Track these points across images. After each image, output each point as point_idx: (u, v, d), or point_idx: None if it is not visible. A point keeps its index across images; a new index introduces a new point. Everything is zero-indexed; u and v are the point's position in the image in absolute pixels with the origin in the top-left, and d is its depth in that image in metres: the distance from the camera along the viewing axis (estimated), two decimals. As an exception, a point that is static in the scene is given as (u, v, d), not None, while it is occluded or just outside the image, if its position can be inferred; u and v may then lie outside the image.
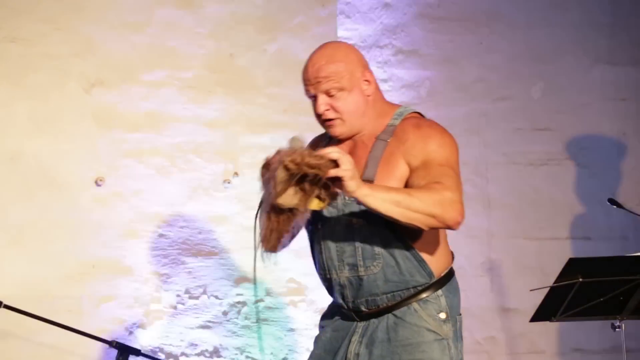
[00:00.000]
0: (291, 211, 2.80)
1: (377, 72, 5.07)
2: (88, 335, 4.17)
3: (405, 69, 5.13)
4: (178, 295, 4.66)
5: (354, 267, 3.02)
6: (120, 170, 4.63)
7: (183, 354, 4.63)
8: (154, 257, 4.63)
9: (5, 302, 4.08)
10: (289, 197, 2.77)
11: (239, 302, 4.72)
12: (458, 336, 3.05)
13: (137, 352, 4.18)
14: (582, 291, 3.89)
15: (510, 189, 5.21)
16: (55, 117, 4.58)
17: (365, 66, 3.09)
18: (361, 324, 3.06)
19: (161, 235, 4.66)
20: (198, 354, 4.65)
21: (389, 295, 3.01)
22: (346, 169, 2.75)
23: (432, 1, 5.22)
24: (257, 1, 4.91)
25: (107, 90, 4.65)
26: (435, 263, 3.02)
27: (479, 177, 5.17)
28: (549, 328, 5.03)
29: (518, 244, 5.17)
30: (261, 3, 4.92)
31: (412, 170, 2.96)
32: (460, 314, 3.09)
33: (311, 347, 3.20)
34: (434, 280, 3.02)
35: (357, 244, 3.00)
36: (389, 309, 3.02)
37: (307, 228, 3.11)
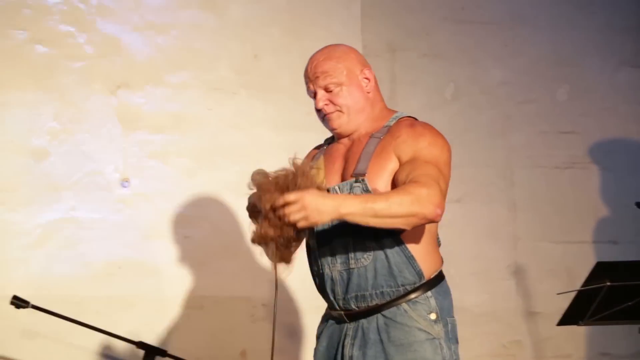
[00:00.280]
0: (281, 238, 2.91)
1: (401, 75, 5.06)
2: (114, 336, 4.18)
3: (430, 72, 5.12)
4: (204, 297, 4.66)
5: (346, 260, 3.08)
6: (145, 171, 4.64)
7: (209, 355, 4.62)
8: (179, 258, 4.64)
9: (33, 302, 4.09)
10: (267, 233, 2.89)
11: (264, 305, 4.71)
12: (451, 338, 3.08)
13: (163, 353, 4.18)
14: (610, 295, 3.86)
15: (535, 192, 5.19)
16: (80, 119, 4.59)
17: (365, 64, 3.19)
18: (351, 326, 3.11)
19: (186, 237, 4.66)
20: (224, 356, 4.65)
21: (378, 292, 3.05)
22: (297, 218, 2.81)
23: (457, 4, 5.21)
24: (281, 3, 4.92)
25: (132, 91, 4.66)
26: (424, 263, 3.07)
27: (504, 181, 5.15)
28: (575, 332, 5.01)
29: (543, 247, 5.15)
30: (285, 5, 4.92)
31: (400, 165, 3.03)
32: (453, 317, 3.12)
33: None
34: (423, 281, 3.07)
35: (350, 238, 3.06)
36: (378, 309, 3.06)
37: None
